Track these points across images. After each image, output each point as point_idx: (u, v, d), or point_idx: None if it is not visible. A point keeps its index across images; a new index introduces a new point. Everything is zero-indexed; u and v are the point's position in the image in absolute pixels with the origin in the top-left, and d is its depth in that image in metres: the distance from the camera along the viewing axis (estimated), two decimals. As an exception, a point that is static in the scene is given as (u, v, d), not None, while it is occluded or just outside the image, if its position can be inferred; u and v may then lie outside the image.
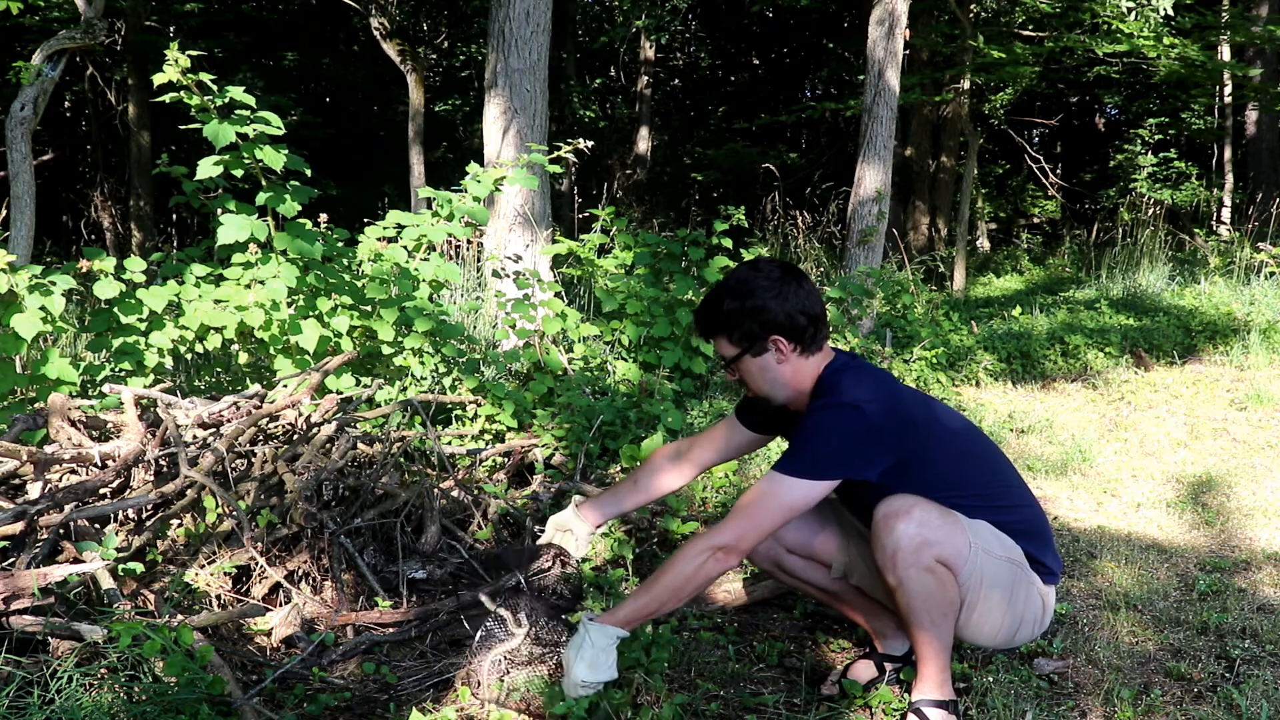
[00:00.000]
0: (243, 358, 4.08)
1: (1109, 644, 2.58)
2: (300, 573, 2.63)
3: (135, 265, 3.71)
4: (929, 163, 14.24)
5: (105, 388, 3.16)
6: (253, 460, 2.94)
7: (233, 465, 2.91)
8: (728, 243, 4.91)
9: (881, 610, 2.39)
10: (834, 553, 2.36)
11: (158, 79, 3.46)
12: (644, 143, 17.26)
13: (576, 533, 2.43)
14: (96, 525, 2.59)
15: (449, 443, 3.69)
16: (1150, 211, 9.92)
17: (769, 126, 16.87)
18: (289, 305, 3.79)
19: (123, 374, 3.60)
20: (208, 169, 3.60)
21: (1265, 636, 2.62)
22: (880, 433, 2.03)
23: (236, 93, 3.54)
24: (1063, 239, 13.88)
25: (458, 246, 6.50)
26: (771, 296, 2.09)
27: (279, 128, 3.64)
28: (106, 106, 14.80)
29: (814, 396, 2.13)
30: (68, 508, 2.49)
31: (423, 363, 4.01)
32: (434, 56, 17.88)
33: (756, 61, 20.50)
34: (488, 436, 3.82)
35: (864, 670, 2.36)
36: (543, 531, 2.52)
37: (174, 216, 10.10)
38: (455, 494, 3.18)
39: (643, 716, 2.05)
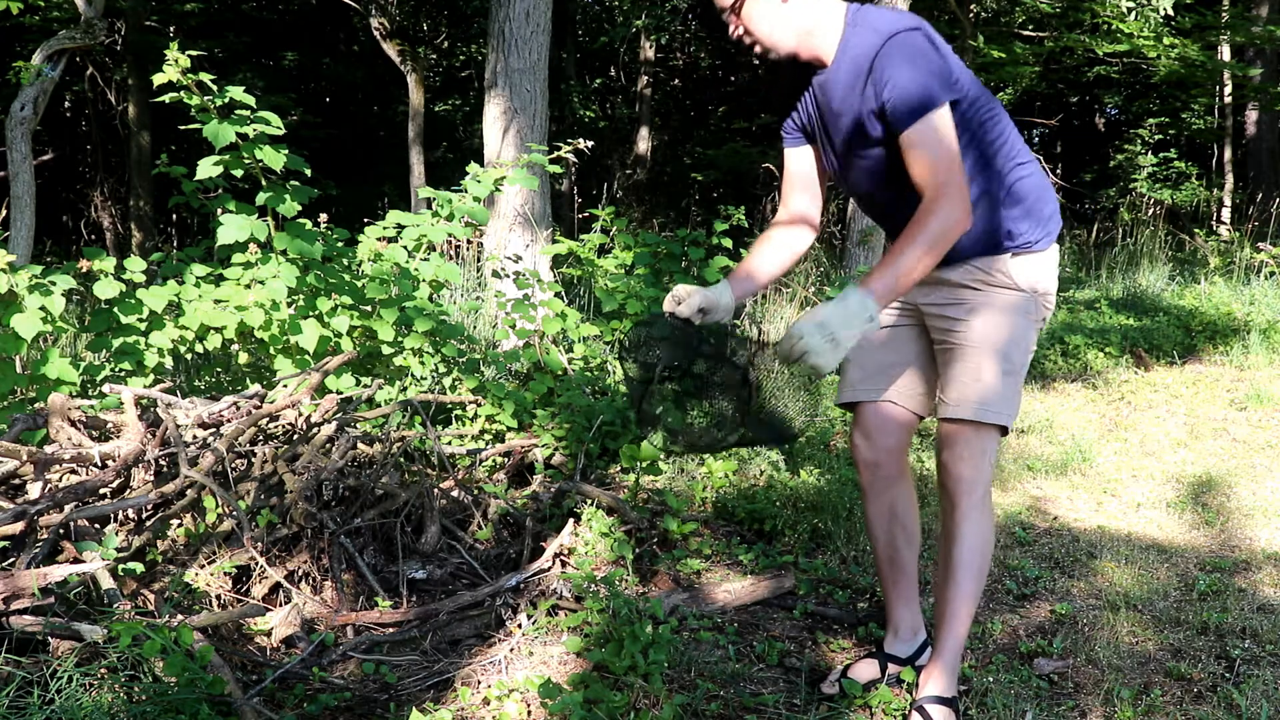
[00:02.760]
0: (243, 358, 4.08)
1: (1109, 644, 2.58)
2: (300, 573, 2.63)
3: (135, 265, 3.71)
4: (929, 163, 14.19)
5: (105, 388, 3.16)
6: (253, 460, 2.94)
7: (233, 465, 2.91)
8: (728, 243, 4.90)
9: (915, 603, 2.41)
10: (924, 393, 2.30)
11: (158, 79, 3.46)
12: (644, 143, 17.25)
13: (720, 299, 2.20)
14: (96, 525, 2.59)
15: (449, 443, 3.69)
16: (1150, 211, 9.92)
17: (769, 126, 16.84)
18: (289, 305, 3.79)
19: (123, 374, 3.60)
20: (207, 169, 3.60)
21: (1265, 636, 2.62)
22: (943, 47, 2.00)
23: (236, 93, 3.54)
24: (1063, 239, 13.87)
25: (458, 246, 6.50)
26: None
27: (279, 128, 3.63)
28: (106, 106, 14.79)
29: (850, 37, 2.02)
30: (68, 508, 2.49)
31: (423, 363, 4.01)
32: (434, 56, 17.87)
33: (757, 61, 20.46)
34: (488, 436, 3.82)
35: (865, 670, 2.36)
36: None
37: (174, 216, 10.08)
38: (455, 494, 3.18)
39: (642, 718, 2.05)
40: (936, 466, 2.22)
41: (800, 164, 2.30)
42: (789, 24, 2.06)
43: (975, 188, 2.09)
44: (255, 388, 3.32)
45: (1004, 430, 2.16)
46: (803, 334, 1.84)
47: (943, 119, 1.95)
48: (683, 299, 2.17)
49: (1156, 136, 15.97)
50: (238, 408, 3.12)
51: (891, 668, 2.36)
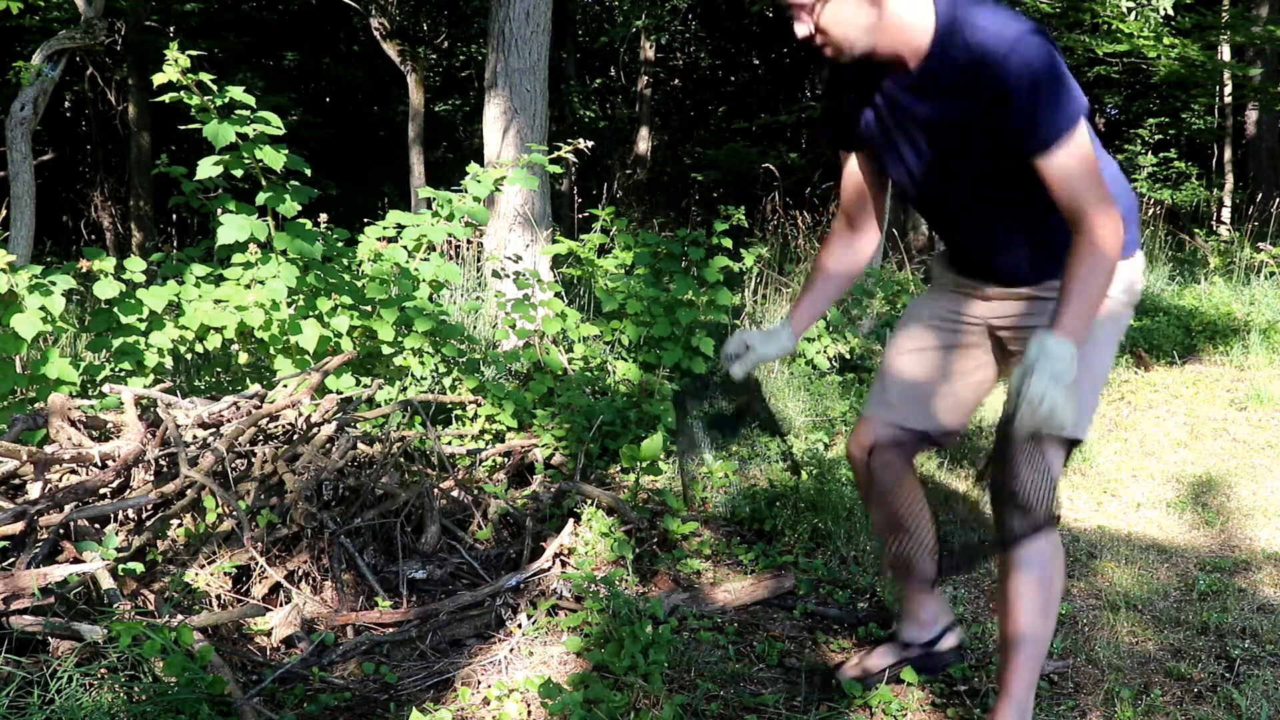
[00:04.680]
0: (243, 358, 4.08)
1: (1109, 644, 2.58)
2: (300, 573, 2.63)
3: (135, 265, 3.72)
4: (929, 163, 14.18)
5: (105, 388, 3.16)
6: (253, 460, 2.94)
7: (233, 465, 2.91)
8: (728, 243, 4.90)
9: (931, 594, 2.37)
10: (967, 409, 2.24)
11: (158, 79, 3.46)
12: (644, 143, 17.25)
13: (773, 345, 2.15)
14: (96, 525, 2.59)
15: (449, 443, 3.69)
16: (1150, 211, 9.91)
17: (769, 126, 16.86)
18: (289, 305, 3.80)
19: (123, 374, 3.60)
20: (207, 169, 3.60)
21: (1265, 636, 2.62)
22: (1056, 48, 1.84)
23: (236, 93, 3.55)
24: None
25: (458, 246, 6.50)
26: None
27: (279, 128, 3.64)
28: (106, 106, 14.78)
29: (950, 37, 1.81)
30: (68, 508, 2.49)
31: (423, 363, 4.01)
32: (434, 56, 17.86)
33: (756, 61, 20.49)
34: (488, 436, 3.82)
35: (880, 658, 2.36)
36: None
37: (174, 216, 10.08)
38: (455, 494, 3.18)
39: (642, 718, 2.05)
40: (1003, 479, 2.06)
41: (857, 171, 2.15)
42: (869, 22, 1.82)
43: None
44: (255, 388, 3.33)
45: (1077, 442, 2.00)
46: (1046, 397, 1.72)
47: (1083, 133, 1.79)
48: (736, 357, 2.14)
49: (1156, 136, 15.96)
50: (238, 408, 3.12)
51: (906, 653, 2.36)
